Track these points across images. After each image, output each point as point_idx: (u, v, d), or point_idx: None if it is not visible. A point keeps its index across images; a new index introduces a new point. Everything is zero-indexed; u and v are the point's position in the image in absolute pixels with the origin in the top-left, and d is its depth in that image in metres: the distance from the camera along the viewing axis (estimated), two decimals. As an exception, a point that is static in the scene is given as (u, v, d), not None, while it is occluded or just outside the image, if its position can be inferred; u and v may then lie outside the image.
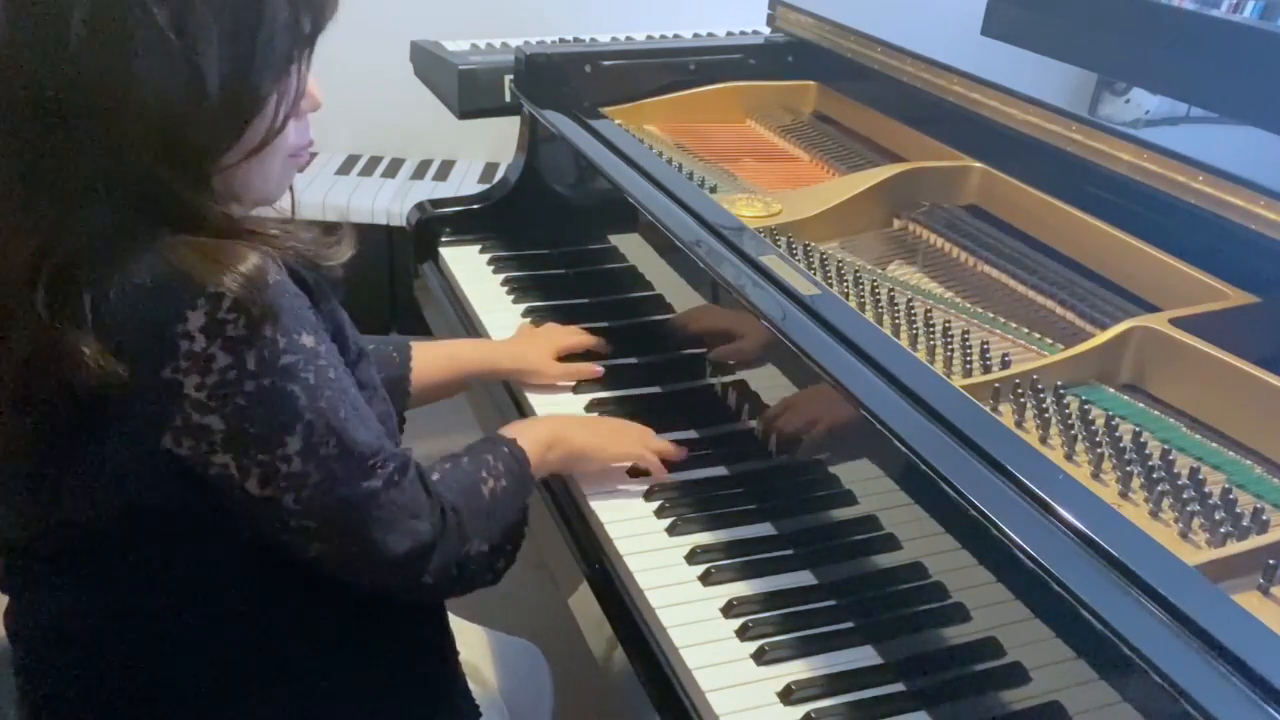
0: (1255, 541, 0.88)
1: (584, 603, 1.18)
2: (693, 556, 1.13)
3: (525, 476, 1.11)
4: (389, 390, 1.12)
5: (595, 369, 1.43)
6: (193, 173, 0.84)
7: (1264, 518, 0.90)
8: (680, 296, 1.39)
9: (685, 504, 1.21)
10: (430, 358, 1.35)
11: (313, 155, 1.08)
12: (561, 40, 1.97)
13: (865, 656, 1.02)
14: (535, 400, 1.41)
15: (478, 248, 1.79)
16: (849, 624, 1.05)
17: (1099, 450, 1.00)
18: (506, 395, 1.48)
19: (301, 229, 0.93)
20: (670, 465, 1.25)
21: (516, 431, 1.16)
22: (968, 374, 1.12)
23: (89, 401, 0.82)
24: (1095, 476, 0.98)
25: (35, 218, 0.81)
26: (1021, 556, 0.84)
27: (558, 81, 1.75)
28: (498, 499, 1.06)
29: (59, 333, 0.80)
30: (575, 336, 1.48)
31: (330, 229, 0.97)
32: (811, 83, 1.85)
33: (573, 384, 1.43)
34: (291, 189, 1.00)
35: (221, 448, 0.84)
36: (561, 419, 1.28)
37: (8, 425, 0.87)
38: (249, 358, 0.82)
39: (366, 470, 0.90)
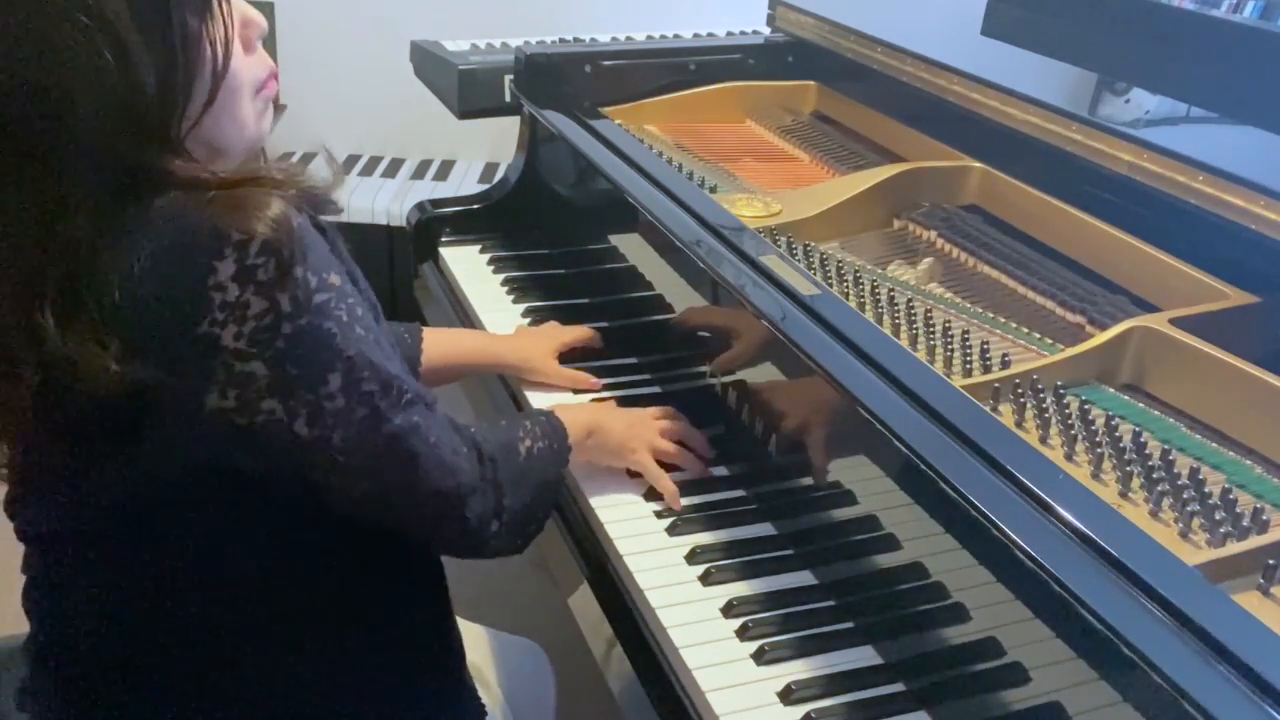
0: (1255, 541, 0.88)
1: (584, 602, 1.18)
2: (693, 556, 1.13)
3: (562, 446, 1.14)
4: None
5: (594, 381, 1.42)
6: (163, 142, 0.82)
7: (1264, 518, 0.90)
8: (680, 296, 1.39)
9: (685, 504, 1.21)
10: (437, 342, 1.38)
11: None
12: (561, 40, 1.97)
13: (865, 656, 1.02)
14: (534, 399, 1.41)
15: (478, 248, 1.79)
16: (849, 624, 1.05)
17: (1099, 450, 1.00)
18: (506, 394, 1.48)
19: (298, 168, 0.91)
20: (670, 466, 1.25)
21: (558, 409, 1.19)
22: (968, 374, 1.12)
23: (118, 403, 0.81)
24: (1095, 476, 0.98)
25: (20, 240, 0.80)
26: (1021, 556, 0.84)
27: (558, 81, 1.75)
28: (534, 458, 1.09)
29: (74, 351, 0.79)
30: (575, 333, 1.48)
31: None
32: (811, 83, 1.85)
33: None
34: (264, 150, 0.98)
35: (267, 393, 0.84)
36: (608, 411, 1.28)
37: (34, 445, 0.87)
38: (283, 300, 0.81)
39: (405, 404, 0.91)
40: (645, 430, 1.25)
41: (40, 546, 0.97)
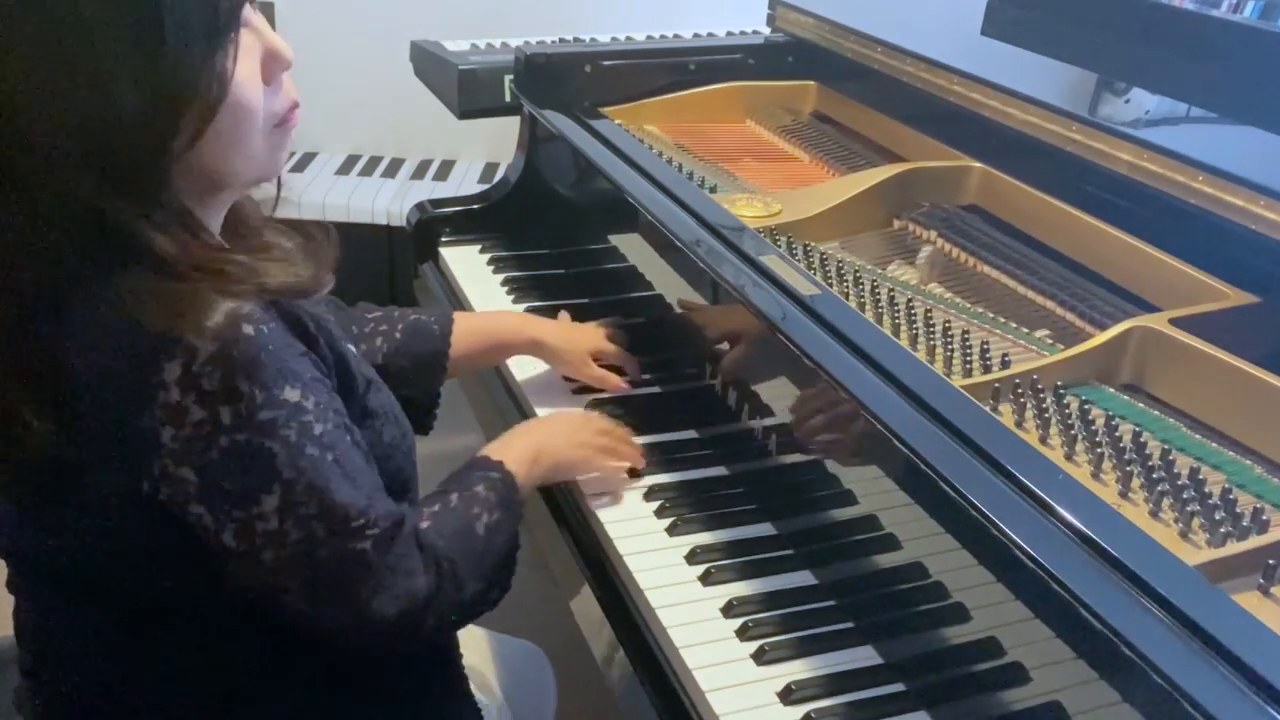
0: (1255, 541, 0.88)
1: (585, 604, 1.18)
2: (693, 556, 1.13)
3: (515, 502, 1.06)
4: (423, 366, 1.07)
5: (624, 385, 1.40)
6: (141, 191, 0.79)
7: (1264, 518, 0.90)
8: (680, 296, 1.39)
9: (685, 504, 1.21)
10: (470, 329, 1.33)
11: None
12: (561, 40, 1.97)
13: (865, 656, 1.02)
14: (534, 399, 1.41)
15: (478, 248, 1.80)
16: (849, 624, 1.05)
17: (1099, 450, 1.00)
18: (506, 396, 1.48)
19: (273, 260, 0.86)
20: (669, 465, 1.25)
21: (499, 451, 1.11)
22: (968, 374, 1.12)
23: (51, 464, 0.80)
24: (1095, 476, 0.98)
25: None
26: (1021, 556, 0.84)
27: (558, 81, 1.74)
28: (492, 533, 1.02)
29: (9, 407, 0.78)
30: (612, 349, 1.43)
31: (311, 236, 0.93)
32: (811, 83, 1.85)
33: (578, 383, 1.42)
34: (279, 185, 0.96)
35: (195, 499, 0.81)
36: (543, 428, 1.22)
37: None
38: (224, 413, 0.79)
39: (352, 531, 0.86)
40: (584, 435, 1.21)
41: (17, 569, 0.96)
